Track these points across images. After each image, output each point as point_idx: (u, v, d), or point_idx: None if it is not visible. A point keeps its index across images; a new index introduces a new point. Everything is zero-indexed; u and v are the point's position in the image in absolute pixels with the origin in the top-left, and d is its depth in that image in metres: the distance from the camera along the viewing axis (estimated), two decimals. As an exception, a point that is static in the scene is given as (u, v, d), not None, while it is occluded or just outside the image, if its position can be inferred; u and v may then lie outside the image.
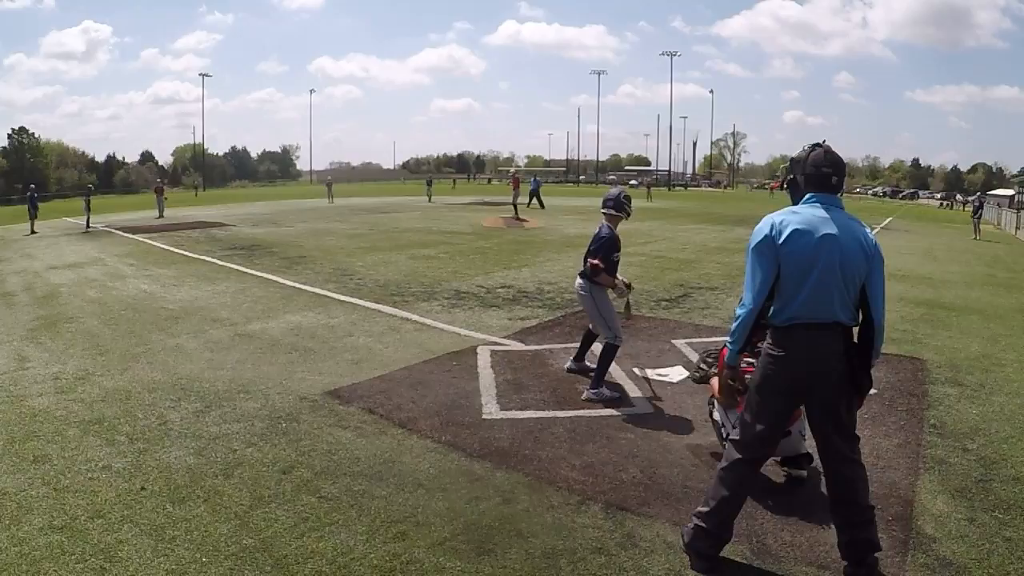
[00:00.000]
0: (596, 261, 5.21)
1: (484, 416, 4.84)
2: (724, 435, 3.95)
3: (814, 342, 2.83)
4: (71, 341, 7.03)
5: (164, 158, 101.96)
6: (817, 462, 3.28)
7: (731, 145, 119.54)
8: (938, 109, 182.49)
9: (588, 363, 5.81)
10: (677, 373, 5.92)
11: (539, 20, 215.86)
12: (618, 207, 5.35)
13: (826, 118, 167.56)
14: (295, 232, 19.26)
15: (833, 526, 3.05)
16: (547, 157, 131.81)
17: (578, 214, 26.90)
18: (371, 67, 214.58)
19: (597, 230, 5.36)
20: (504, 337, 7.12)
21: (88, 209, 22.70)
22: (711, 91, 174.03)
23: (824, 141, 3.01)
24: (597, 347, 5.56)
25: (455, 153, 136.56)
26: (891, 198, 77.34)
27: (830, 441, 2.93)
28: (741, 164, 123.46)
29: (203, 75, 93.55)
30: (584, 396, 5.20)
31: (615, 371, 5.79)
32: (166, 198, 28.31)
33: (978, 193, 36.73)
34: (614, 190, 5.55)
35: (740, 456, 3.00)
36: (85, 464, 4.02)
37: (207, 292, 9.78)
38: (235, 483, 3.80)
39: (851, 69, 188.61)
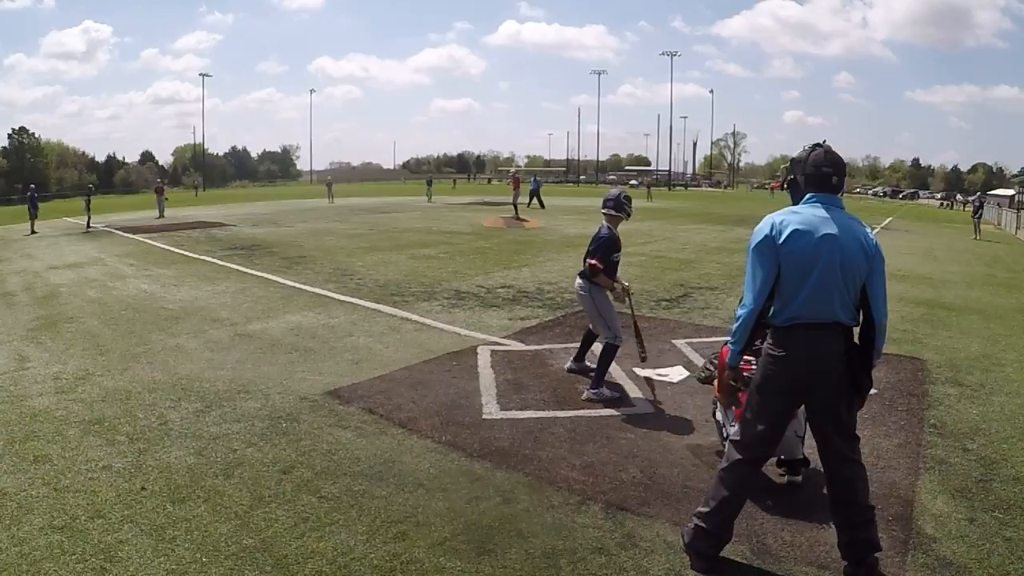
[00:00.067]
0: (594, 261, 5.22)
1: (484, 416, 4.85)
2: (725, 435, 3.95)
3: (814, 342, 2.83)
4: (71, 341, 7.04)
5: (164, 158, 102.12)
6: (817, 462, 3.28)
7: (731, 145, 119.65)
8: (938, 109, 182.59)
9: (588, 363, 5.81)
10: (677, 373, 5.92)
11: (539, 20, 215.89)
12: (618, 207, 5.35)
13: (826, 118, 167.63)
14: (295, 232, 19.26)
15: (833, 526, 3.05)
16: (547, 157, 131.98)
17: (578, 214, 26.90)
18: (371, 67, 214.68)
19: (597, 230, 5.36)
20: (504, 337, 7.12)
21: (88, 209, 22.70)
22: (711, 91, 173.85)
23: (824, 141, 3.01)
24: (597, 347, 5.56)
25: (455, 153, 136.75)
26: (891, 198, 77.33)
27: (830, 441, 2.93)
28: (741, 164, 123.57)
29: (203, 75, 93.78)
30: (584, 396, 5.20)
31: (615, 371, 5.79)
32: (166, 198, 28.30)
33: (978, 193, 36.72)
34: (614, 190, 5.56)
35: (740, 456, 3.00)
36: (85, 464, 4.02)
37: (207, 292, 9.78)
38: (235, 483, 3.80)
39: (851, 69, 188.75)
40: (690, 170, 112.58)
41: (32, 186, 24.82)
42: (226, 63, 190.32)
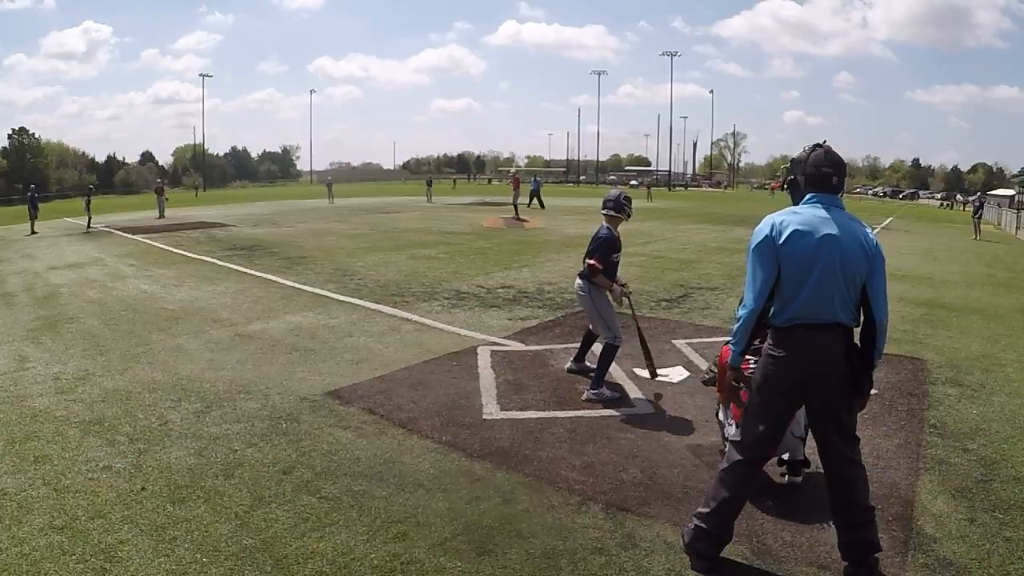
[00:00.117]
0: (592, 261, 5.22)
1: (484, 416, 4.85)
2: (727, 436, 3.95)
3: (814, 342, 2.82)
4: (71, 341, 7.04)
5: (164, 158, 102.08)
6: (817, 463, 3.28)
7: (731, 145, 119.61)
8: (938, 109, 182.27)
9: (588, 363, 5.81)
10: (677, 373, 5.92)
11: (539, 20, 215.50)
12: (618, 208, 5.35)
13: (826, 118, 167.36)
14: (295, 232, 19.26)
15: (833, 526, 3.05)
16: (547, 157, 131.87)
17: (578, 214, 26.90)
18: (371, 67, 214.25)
19: (596, 230, 5.37)
20: (504, 337, 7.12)
21: (89, 209, 22.70)
22: (711, 91, 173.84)
23: (824, 141, 3.01)
24: (597, 347, 5.56)
25: (455, 153, 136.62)
26: (891, 198, 77.31)
27: (830, 442, 2.93)
28: (741, 164, 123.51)
29: (203, 75, 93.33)
30: (584, 396, 5.20)
31: (615, 371, 5.79)
32: (167, 198, 28.30)
33: (978, 193, 36.74)
34: (614, 191, 5.56)
35: (741, 457, 3.00)
36: (85, 464, 4.02)
37: (207, 292, 9.78)
38: (235, 483, 3.80)
39: (851, 69, 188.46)
40: (690, 170, 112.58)
41: (32, 186, 24.82)
42: (226, 63, 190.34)
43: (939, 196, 75.14)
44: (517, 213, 25.46)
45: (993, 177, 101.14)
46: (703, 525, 3.02)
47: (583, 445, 4.38)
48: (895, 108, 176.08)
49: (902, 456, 4.27)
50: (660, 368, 6.03)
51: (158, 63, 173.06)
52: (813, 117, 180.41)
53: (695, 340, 7.08)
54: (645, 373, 5.87)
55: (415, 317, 8.04)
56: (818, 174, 2.91)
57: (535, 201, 29.91)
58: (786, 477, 3.85)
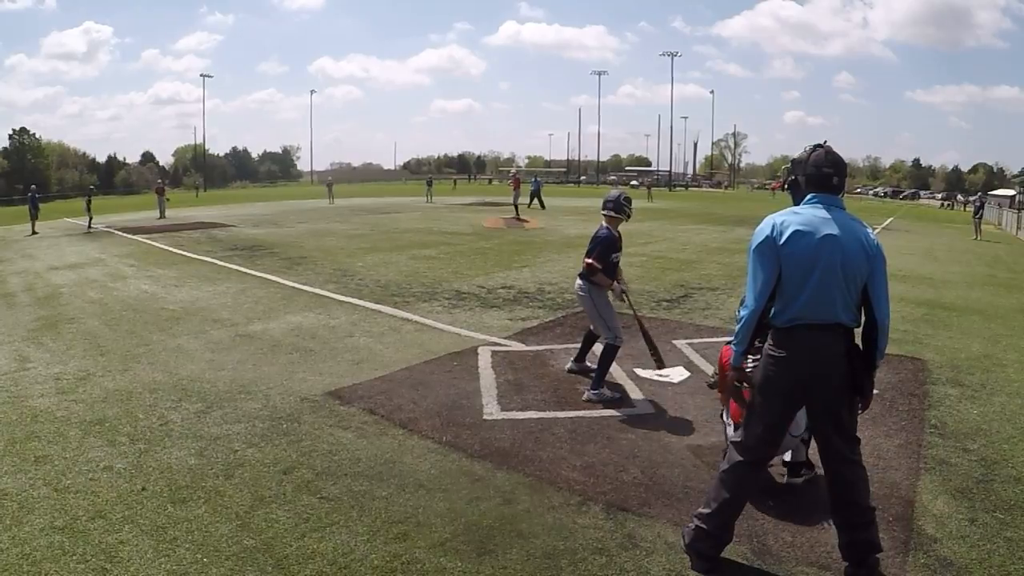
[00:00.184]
0: (591, 260, 5.22)
1: (485, 417, 4.85)
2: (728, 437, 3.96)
3: (816, 343, 2.82)
4: (72, 342, 7.04)
5: (165, 158, 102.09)
6: (818, 463, 3.28)
7: (732, 145, 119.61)
8: (939, 109, 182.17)
9: (589, 364, 5.81)
10: (678, 373, 5.92)
11: (539, 20, 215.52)
12: (618, 209, 5.36)
13: (827, 118, 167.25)
14: (296, 233, 19.27)
15: (834, 526, 3.05)
16: (548, 157, 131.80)
17: (579, 215, 26.90)
18: (371, 68, 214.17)
19: (596, 230, 5.37)
20: (505, 338, 7.12)
21: (89, 210, 22.71)
22: (711, 91, 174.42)
23: (825, 142, 3.01)
24: (598, 347, 5.56)
25: (456, 153, 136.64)
26: (892, 198, 77.30)
27: (831, 442, 2.93)
28: (742, 164, 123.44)
29: (204, 76, 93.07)
30: (585, 397, 5.20)
31: (616, 372, 5.79)
32: (167, 199, 28.30)
33: (979, 193, 36.73)
34: (614, 192, 5.56)
35: (742, 458, 3.00)
36: (86, 465, 4.02)
37: (208, 293, 9.78)
38: (236, 484, 3.80)
39: (851, 69, 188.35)
40: (691, 170, 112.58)
41: (33, 187, 24.81)
42: (227, 64, 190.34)
43: (940, 196, 75.08)
44: (518, 213, 25.46)
45: (994, 177, 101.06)
46: (703, 526, 3.02)
47: (584, 445, 4.38)
48: (895, 108, 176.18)
49: (903, 456, 4.27)
50: (660, 369, 6.03)
51: (159, 63, 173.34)
52: (813, 117, 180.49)
53: (696, 340, 7.08)
54: (646, 373, 5.87)
55: (415, 317, 8.04)
56: (819, 174, 2.91)
57: (535, 201, 29.91)
58: (786, 478, 3.86)
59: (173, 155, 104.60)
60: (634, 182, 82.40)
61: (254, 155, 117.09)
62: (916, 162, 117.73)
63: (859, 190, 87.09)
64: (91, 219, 22.43)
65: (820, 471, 3.34)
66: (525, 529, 3.36)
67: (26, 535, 3.24)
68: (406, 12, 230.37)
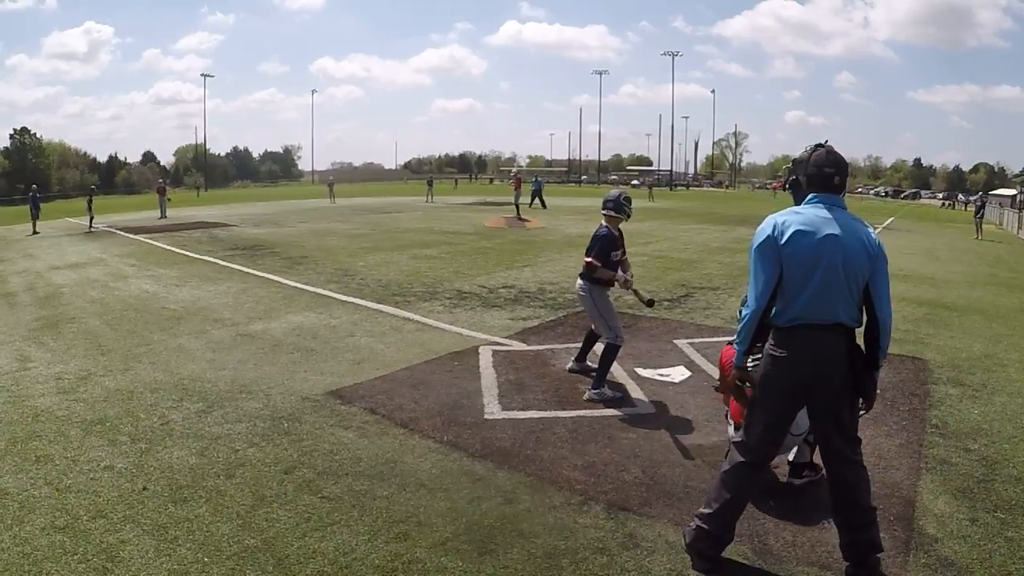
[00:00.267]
0: (590, 259, 5.23)
1: (486, 416, 4.85)
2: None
3: (817, 343, 2.82)
4: (73, 341, 7.05)
5: (166, 158, 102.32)
6: (818, 463, 3.27)
7: (733, 145, 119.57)
8: (940, 109, 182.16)
9: (590, 363, 5.81)
10: (679, 373, 5.92)
11: (540, 20, 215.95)
12: (617, 208, 5.36)
13: (828, 118, 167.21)
14: (297, 232, 19.28)
15: (835, 526, 3.05)
16: (549, 157, 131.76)
17: (580, 214, 26.90)
18: (373, 67, 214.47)
19: (595, 229, 5.38)
20: (506, 337, 7.12)
21: (91, 209, 22.73)
22: (713, 91, 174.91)
23: (826, 141, 3.01)
24: (599, 347, 5.56)
25: (457, 153, 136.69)
26: (893, 198, 77.24)
27: (832, 442, 2.92)
28: (743, 164, 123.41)
29: (205, 75, 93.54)
30: (586, 396, 5.20)
31: (617, 371, 5.79)
32: (168, 198, 28.29)
33: (980, 193, 36.69)
34: (614, 191, 5.57)
35: (743, 459, 2.99)
36: (87, 464, 4.03)
37: (209, 292, 9.79)
38: (237, 483, 3.80)
39: (852, 69, 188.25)
40: (692, 170, 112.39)
41: (34, 186, 24.83)
42: (228, 63, 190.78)
43: (941, 196, 75.04)
44: (519, 213, 25.49)
45: (995, 177, 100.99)
46: (704, 526, 3.02)
47: (585, 445, 4.38)
48: (897, 108, 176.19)
49: (904, 456, 4.27)
50: (661, 368, 6.04)
51: (159, 63, 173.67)
52: (815, 117, 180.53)
53: (697, 340, 7.07)
54: (647, 373, 5.88)
55: (417, 317, 8.04)
56: (820, 174, 2.91)
57: (537, 201, 29.92)
58: (786, 478, 3.86)
59: (174, 155, 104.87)
60: (635, 182, 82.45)
61: (255, 155, 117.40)
62: (917, 162, 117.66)
63: (860, 190, 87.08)
64: (92, 219, 22.44)
65: (822, 473, 3.34)
66: (526, 529, 3.36)
67: (27, 534, 3.25)
68: (407, 12, 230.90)
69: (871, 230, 2.91)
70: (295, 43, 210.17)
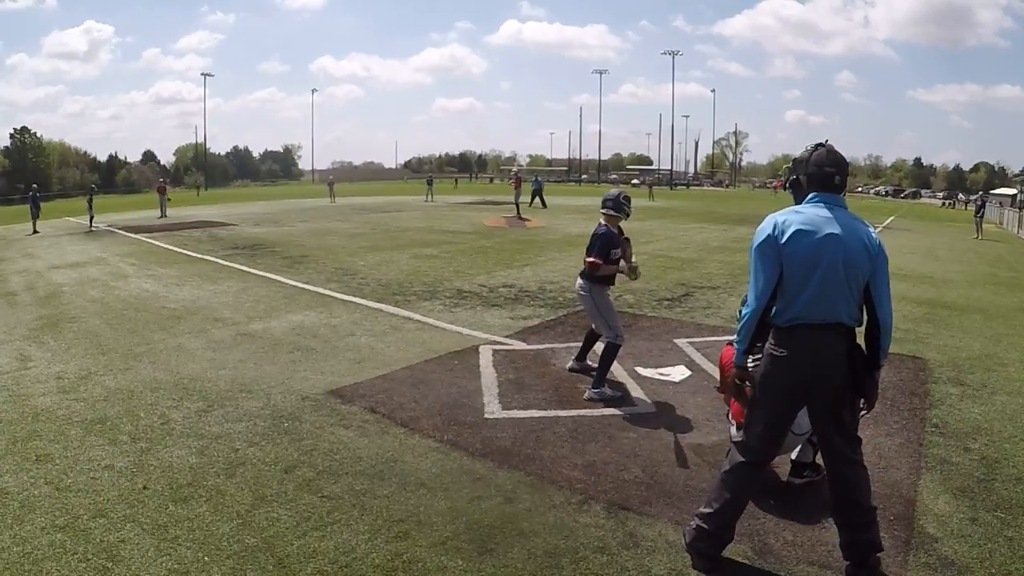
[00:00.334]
0: (592, 259, 5.23)
1: (486, 415, 4.85)
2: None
3: (817, 343, 2.82)
4: (73, 341, 7.05)
5: (166, 158, 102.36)
6: (820, 464, 3.28)
7: (733, 144, 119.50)
8: (940, 108, 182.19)
9: (590, 362, 5.81)
10: (679, 373, 5.92)
11: (540, 19, 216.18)
12: (617, 208, 5.37)
13: (828, 117, 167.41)
14: (297, 231, 19.28)
15: (835, 526, 3.05)
16: (549, 156, 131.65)
17: (580, 213, 26.89)
18: (373, 67, 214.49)
19: (595, 228, 5.39)
20: (506, 336, 7.12)
21: (91, 209, 22.72)
22: (713, 90, 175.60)
23: (827, 141, 3.00)
24: (599, 346, 5.56)
25: (457, 152, 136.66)
26: (893, 197, 77.19)
27: (832, 442, 2.92)
28: (743, 163, 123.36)
29: (205, 75, 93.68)
30: (586, 395, 5.20)
31: (617, 371, 5.79)
32: (169, 198, 28.29)
33: (980, 192, 36.65)
34: (613, 191, 5.58)
35: (743, 459, 2.99)
36: (87, 463, 4.03)
37: (209, 291, 9.79)
38: (237, 482, 3.80)
39: (853, 68, 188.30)
40: (692, 169, 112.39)
41: (34, 186, 24.81)
42: (228, 63, 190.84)
43: (941, 195, 75.02)
44: (519, 212, 25.50)
45: (995, 176, 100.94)
46: (704, 525, 3.02)
47: (585, 444, 4.38)
48: (897, 107, 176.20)
49: (904, 455, 4.27)
50: (661, 368, 6.04)
51: (160, 63, 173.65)
52: (815, 116, 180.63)
53: (697, 339, 7.07)
54: (647, 372, 5.88)
55: (417, 316, 8.04)
56: (820, 173, 2.91)
57: (537, 200, 29.92)
58: (786, 477, 3.86)
59: (174, 154, 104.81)
60: (635, 181, 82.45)
61: (255, 154, 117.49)
62: (917, 161, 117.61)
63: (860, 189, 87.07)
64: (92, 218, 22.44)
65: (823, 474, 3.34)
66: (526, 528, 3.36)
67: (27, 534, 3.25)
68: (407, 11, 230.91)
69: (871, 229, 2.90)
70: (295, 42, 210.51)
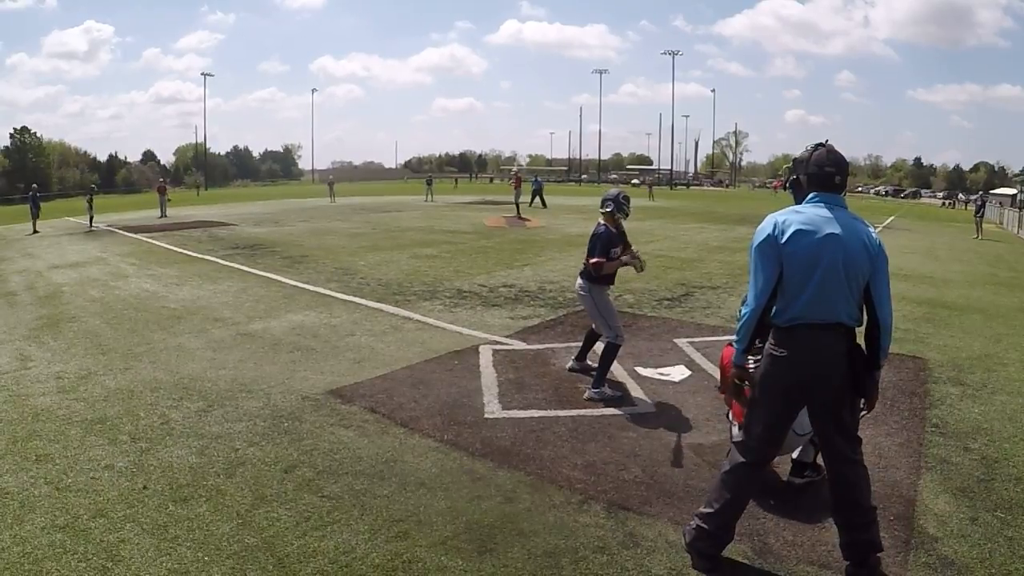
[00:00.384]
0: (595, 260, 5.23)
1: (486, 415, 4.85)
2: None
3: (817, 343, 2.82)
4: (73, 340, 7.05)
5: (166, 157, 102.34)
6: (821, 464, 3.28)
7: (733, 144, 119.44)
8: (940, 108, 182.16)
9: (590, 362, 5.81)
10: (679, 372, 5.92)
11: (540, 19, 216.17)
12: (616, 207, 5.37)
13: (828, 117, 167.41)
14: (297, 231, 19.27)
15: (835, 526, 3.05)
16: (549, 156, 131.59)
17: (580, 213, 26.89)
18: (373, 66, 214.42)
19: (594, 228, 5.39)
20: (506, 336, 7.12)
21: (91, 208, 22.72)
22: (713, 90, 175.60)
23: (827, 140, 3.00)
24: (599, 346, 5.56)
25: (457, 152, 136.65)
26: (893, 197, 77.19)
27: (832, 442, 2.92)
28: (743, 163, 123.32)
29: (205, 74, 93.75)
30: (586, 395, 5.20)
31: (617, 371, 5.79)
32: (169, 198, 28.28)
33: (980, 192, 36.66)
34: (613, 190, 5.59)
35: (743, 459, 2.99)
36: (87, 463, 4.03)
37: (209, 291, 9.79)
38: (237, 482, 3.80)
39: (853, 68, 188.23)
40: (692, 169, 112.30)
41: (34, 186, 24.78)
42: (228, 63, 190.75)
43: (941, 195, 75.04)
44: (519, 212, 25.50)
45: (995, 176, 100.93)
46: (704, 525, 3.02)
47: (585, 444, 4.38)
48: (897, 107, 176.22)
49: (904, 455, 4.27)
50: (661, 367, 6.04)
51: (160, 62, 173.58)
52: (815, 116, 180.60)
53: (697, 339, 7.07)
54: (647, 372, 5.88)
55: (417, 316, 8.04)
56: (820, 173, 2.91)
57: (537, 200, 29.92)
58: (787, 477, 3.86)
59: (174, 154, 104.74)
60: (635, 181, 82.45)
61: (255, 154, 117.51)
62: (917, 161, 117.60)
63: (860, 189, 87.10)
64: (92, 218, 22.44)
65: (823, 474, 3.34)
66: (526, 528, 3.36)
67: (27, 533, 3.25)
68: (407, 11, 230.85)
69: (872, 229, 2.90)
70: (295, 42, 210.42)
